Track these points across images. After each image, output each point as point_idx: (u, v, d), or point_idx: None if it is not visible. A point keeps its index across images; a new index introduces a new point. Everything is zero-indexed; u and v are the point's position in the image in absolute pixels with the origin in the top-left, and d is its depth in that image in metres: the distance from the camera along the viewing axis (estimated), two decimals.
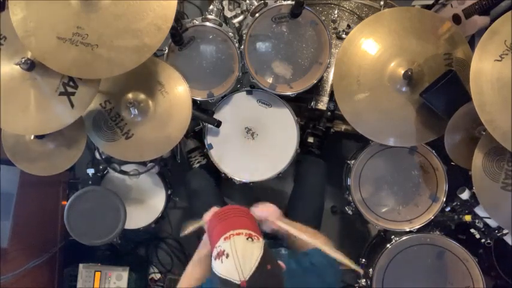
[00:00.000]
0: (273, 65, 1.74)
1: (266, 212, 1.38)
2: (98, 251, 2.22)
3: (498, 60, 1.33)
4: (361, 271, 1.72)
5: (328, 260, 1.24)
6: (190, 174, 1.87)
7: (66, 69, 1.32)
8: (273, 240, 1.59)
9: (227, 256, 0.98)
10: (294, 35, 1.68)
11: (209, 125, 1.80)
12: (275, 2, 1.60)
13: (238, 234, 1.03)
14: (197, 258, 1.37)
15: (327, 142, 2.08)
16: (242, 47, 1.64)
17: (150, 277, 2.34)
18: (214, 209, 1.55)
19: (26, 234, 1.94)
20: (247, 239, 1.02)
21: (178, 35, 1.59)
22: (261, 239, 1.04)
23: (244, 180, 1.81)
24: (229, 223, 1.09)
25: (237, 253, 0.98)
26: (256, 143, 1.83)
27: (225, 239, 1.03)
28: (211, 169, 1.87)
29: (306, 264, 1.22)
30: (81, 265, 2.00)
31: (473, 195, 1.69)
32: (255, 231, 1.07)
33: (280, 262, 1.06)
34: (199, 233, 1.51)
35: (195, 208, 1.78)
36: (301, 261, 1.23)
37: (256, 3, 1.65)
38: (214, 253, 1.03)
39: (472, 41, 1.73)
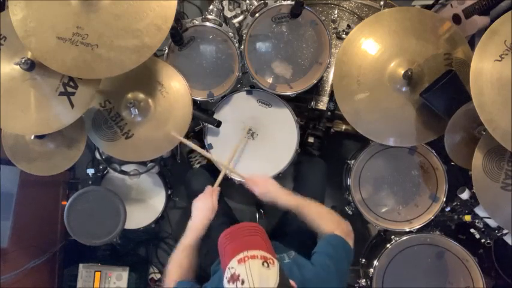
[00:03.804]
0: (273, 65, 1.74)
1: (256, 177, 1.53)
2: (98, 251, 2.22)
3: (498, 60, 1.33)
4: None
5: (336, 263, 1.23)
6: (191, 174, 1.87)
7: (66, 69, 1.33)
8: (274, 240, 1.60)
9: (242, 283, 0.95)
10: (294, 35, 1.68)
11: (209, 125, 1.80)
12: (275, 2, 1.60)
13: (253, 257, 0.99)
14: (182, 247, 1.37)
15: (327, 142, 2.08)
16: (242, 47, 1.64)
17: (150, 277, 2.34)
18: (209, 189, 1.54)
19: (26, 234, 1.94)
20: (262, 264, 0.98)
21: (178, 35, 1.59)
22: (275, 263, 1.00)
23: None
24: (242, 242, 1.04)
25: (253, 281, 0.94)
26: (256, 143, 1.83)
27: (239, 261, 0.98)
28: (211, 169, 1.87)
29: (309, 271, 1.20)
30: (81, 265, 2.00)
31: (473, 195, 1.69)
32: (270, 251, 1.03)
33: (292, 282, 1.03)
34: (191, 211, 1.51)
35: None
36: (304, 267, 1.22)
37: (256, 3, 1.65)
38: (227, 275, 0.99)
39: (472, 41, 1.73)
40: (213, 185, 1.72)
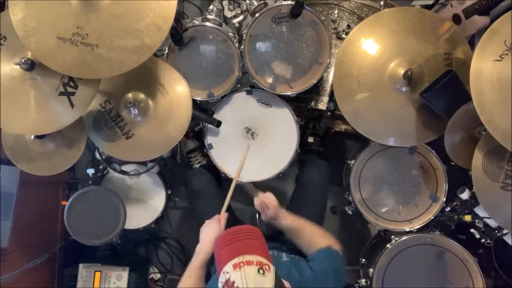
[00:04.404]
0: (273, 65, 1.74)
1: (269, 202, 1.48)
2: (98, 251, 2.22)
3: (498, 60, 1.33)
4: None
5: (332, 267, 1.24)
6: (191, 174, 1.87)
7: (66, 69, 1.32)
8: (275, 242, 1.60)
9: None
10: (294, 35, 1.68)
11: (209, 125, 1.80)
12: (275, 2, 1.60)
13: (249, 263, 0.97)
14: (188, 272, 1.37)
15: (327, 142, 2.08)
16: (242, 47, 1.64)
17: (150, 277, 2.34)
18: (217, 216, 1.55)
19: (26, 234, 1.94)
20: (258, 271, 0.96)
21: (178, 35, 1.59)
22: (271, 268, 0.99)
23: (244, 180, 1.81)
24: (238, 246, 1.03)
25: None
26: (256, 143, 1.83)
27: (234, 266, 0.97)
28: (212, 169, 1.87)
29: (307, 274, 1.21)
30: (81, 265, 2.00)
31: (473, 195, 1.69)
32: (266, 256, 1.02)
33: (286, 283, 1.03)
34: (199, 235, 1.52)
35: (196, 208, 1.78)
36: (302, 270, 1.22)
37: (256, 3, 1.65)
38: (222, 279, 0.97)
39: (472, 41, 1.73)
40: (214, 187, 1.72)
